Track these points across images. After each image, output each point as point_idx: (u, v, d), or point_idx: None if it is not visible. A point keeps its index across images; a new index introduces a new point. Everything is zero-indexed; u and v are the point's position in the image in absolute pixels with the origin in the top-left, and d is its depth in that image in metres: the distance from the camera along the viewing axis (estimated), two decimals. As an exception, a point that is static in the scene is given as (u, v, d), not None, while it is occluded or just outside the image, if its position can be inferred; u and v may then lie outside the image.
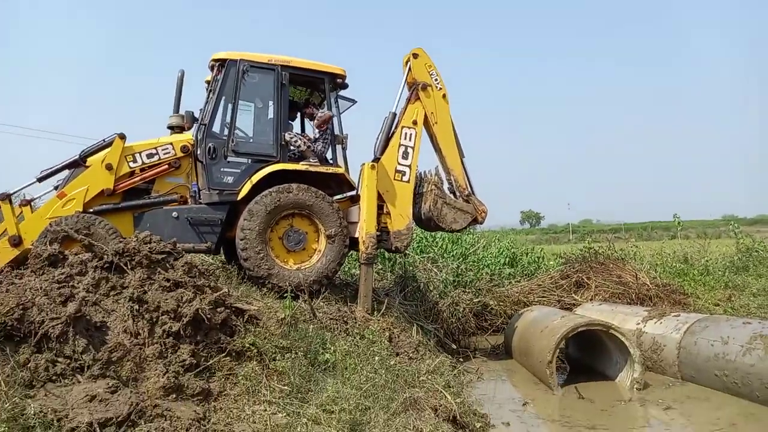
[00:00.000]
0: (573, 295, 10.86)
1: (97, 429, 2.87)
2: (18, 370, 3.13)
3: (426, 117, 7.43)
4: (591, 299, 10.48)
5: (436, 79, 7.49)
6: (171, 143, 6.76)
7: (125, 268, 4.05)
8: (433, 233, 10.97)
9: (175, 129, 7.14)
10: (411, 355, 5.79)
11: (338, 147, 7.38)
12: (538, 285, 11.27)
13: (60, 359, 3.32)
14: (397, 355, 5.60)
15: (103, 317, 3.63)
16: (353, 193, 7.32)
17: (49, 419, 2.85)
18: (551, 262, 13.62)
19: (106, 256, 4.06)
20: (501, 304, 10.46)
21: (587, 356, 8.25)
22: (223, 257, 8.13)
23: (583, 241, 18.93)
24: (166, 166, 6.72)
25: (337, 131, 7.36)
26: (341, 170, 7.24)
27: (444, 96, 7.57)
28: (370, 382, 4.24)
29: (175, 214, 6.57)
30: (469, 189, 7.74)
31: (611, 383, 7.29)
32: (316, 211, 6.75)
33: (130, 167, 6.55)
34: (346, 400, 3.86)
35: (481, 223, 7.91)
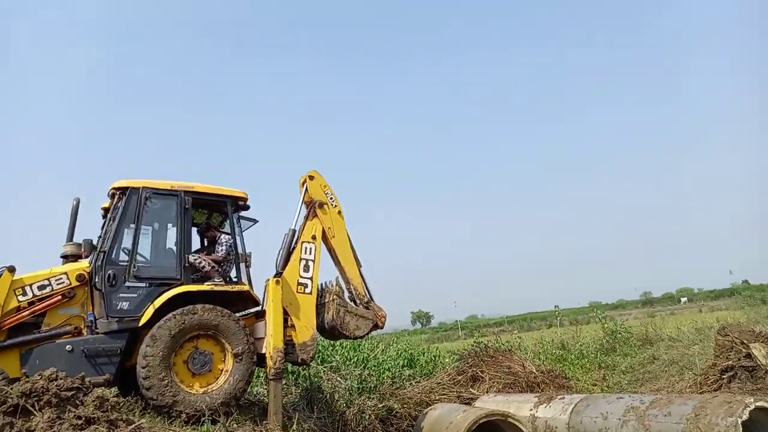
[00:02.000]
0: (470, 389, 11.43)
1: None
2: None
3: (324, 232, 8.01)
4: (487, 391, 11.11)
5: (331, 198, 8.20)
6: (66, 273, 6.57)
7: (32, 410, 3.86)
8: (333, 343, 11.17)
9: (69, 258, 6.97)
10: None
11: (242, 265, 7.60)
12: (438, 383, 11.72)
13: None
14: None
15: (13, 466, 3.41)
16: (258, 308, 7.48)
17: None
18: (446, 359, 14.27)
19: (10, 399, 3.85)
20: (405, 406, 10.69)
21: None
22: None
23: (472, 336, 20.07)
24: (60, 297, 6.47)
25: (240, 250, 7.63)
26: (245, 287, 7.41)
27: (339, 212, 8.26)
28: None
29: (69, 347, 6.24)
30: (368, 296, 8.25)
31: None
32: (223, 330, 6.78)
33: (19, 301, 6.22)
34: None
35: (381, 328, 8.37)
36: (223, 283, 7.23)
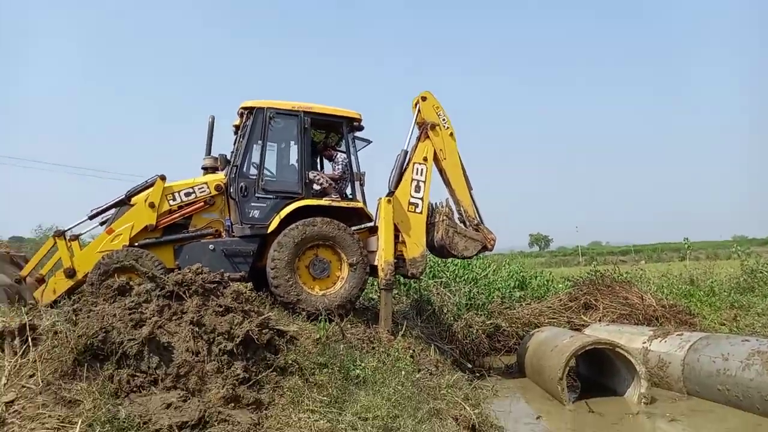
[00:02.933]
0: (582, 316, 11.30)
1: (176, 430, 3.42)
2: (106, 383, 3.70)
3: (435, 153, 8.08)
4: (599, 320, 10.92)
5: (443, 119, 8.16)
6: (206, 182, 7.41)
7: (184, 296, 4.64)
8: (445, 260, 11.51)
9: (208, 170, 7.82)
10: (432, 371, 6.29)
11: (356, 183, 7.99)
12: (548, 307, 11.73)
13: (138, 374, 3.88)
14: (419, 371, 6.09)
15: (169, 338, 4.18)
16: (371, 224, 7.91)
17: (136, 422, 3.41)
18: (560, 285, 14.08)
19: (167, 286, 4.65)
20: (512, 325, 10.92)
21: (597, 374, 8.66)
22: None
23: (591, 264, 19.38)
24: (202, 203, 7.35)
25: (354, 169, 8.00)
26: (360, 204, 7.83)
27: (451, 134, 8.23)
28: (397, 394, 4.77)
29: (211, 246, 7.18)
30: (478, 219, 8.32)
31: (620, 398, 7.70)
32: (339, 241, 7.33)
33: (170, 205, 7.20)
34: (378, 408, 4.39)
35: (491, 250, 8.47)
36: (339, 199, 7.70)
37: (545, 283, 14.03)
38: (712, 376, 7.22)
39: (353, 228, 7.67)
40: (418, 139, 8.04)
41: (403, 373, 5.37)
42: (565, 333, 8.81)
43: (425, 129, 8.01)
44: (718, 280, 14.88)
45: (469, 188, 8.35)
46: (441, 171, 8.29)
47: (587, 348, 7.54)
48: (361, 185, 8.04)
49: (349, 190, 8.03)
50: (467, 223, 8.25)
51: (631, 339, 8.85)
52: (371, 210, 7.92)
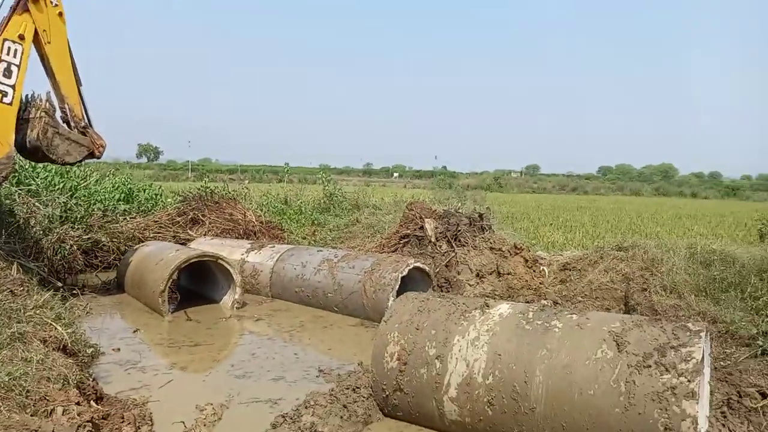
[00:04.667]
0: (188, 231, 11.66)
1: None
2: None
3: (37, 34, 6.69)
4: (205, 234, 11.52)
5: None
6: None
7: None
8: (35, 164, 9.83)
9: None
10: (15, 291, 5.48)
11: None
12: (155, 221, 11.58)
13: None
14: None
15: None
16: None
17: None
18: (169, 200, 14.01)
19: None
20: (114, 240, 10.37)
21: (198, 285, 9.24)
22: None
23: (202, 180, 19.91)
24: None
25: None
26: None
27: (60, 14, 6.94)
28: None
29: None
30: (86, 120, 7.42)
31: (216, 306, 8.49)
32: None
33: None
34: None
35: (98, 158, 7.72)
36: None
37: (153, 197, 13.69)
38: (293, 280, 8.75)
39: None
40: (14, 9, 6.46)
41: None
42: (171, 247, 8.98)
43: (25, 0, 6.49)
44: (305, 201, 17.66)
45: (78, 83, 7.28)
46: (43, 57, 6.92)
47: (192, 261, 7.94)
48: None
49: None
50: (72, 125, 7.24)
51: (232, 251, 9.75)
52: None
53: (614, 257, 8.23)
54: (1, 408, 3.18)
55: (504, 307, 4.32)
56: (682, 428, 3.10)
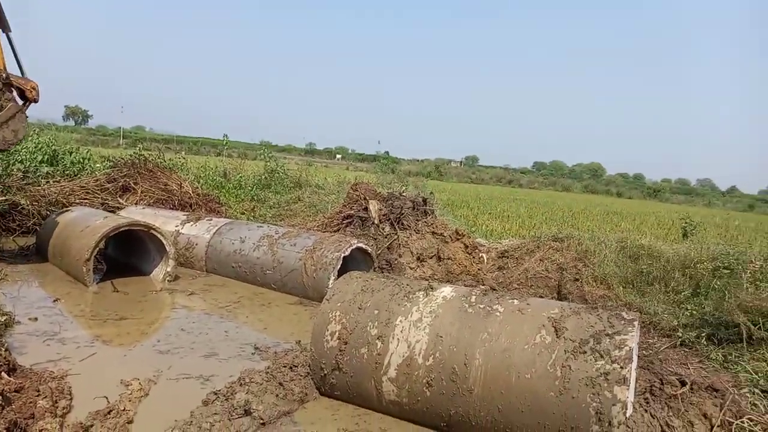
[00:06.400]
0: (118, 198, 11.02)
1: None
2: None
3: None
4: (136, 203, 10.92)
5: None
6: None
7: None
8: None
9: None
10: None
11: None
12: (81, 187, 10.87)
13: None
14: None
15: None
16: None
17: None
18: (98, 165, 13.19)
19: None
20: (35, 204, 9.63)
21: (127, 255, 8.75)
22: None
23: (134, 147, 18.88)
24: None
25: None
26: None
27: None
28: None
29: None
30: (19, 70, 6.79)
31: (147, 278, 8.06)
32: None
33: None
34: None
35: (36, 101, 7.10)
36: None
37: (81, 161, 12.84)
38: (230, 255, 8.45)
39: None
40: None
41: None
42: (98, 214, 8.43)
43: None
44: (245, 176, 17.15)
45: (7, 29, 6.62)
46: None
47: (122, 229, 7.48)
48: None
49: None
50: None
51: (165, 222, 9.28)
52: None
53: (550, 247, 8.49)
54: None
55: (447, 290, 4.33)
56: (612, 413, 3.22)
